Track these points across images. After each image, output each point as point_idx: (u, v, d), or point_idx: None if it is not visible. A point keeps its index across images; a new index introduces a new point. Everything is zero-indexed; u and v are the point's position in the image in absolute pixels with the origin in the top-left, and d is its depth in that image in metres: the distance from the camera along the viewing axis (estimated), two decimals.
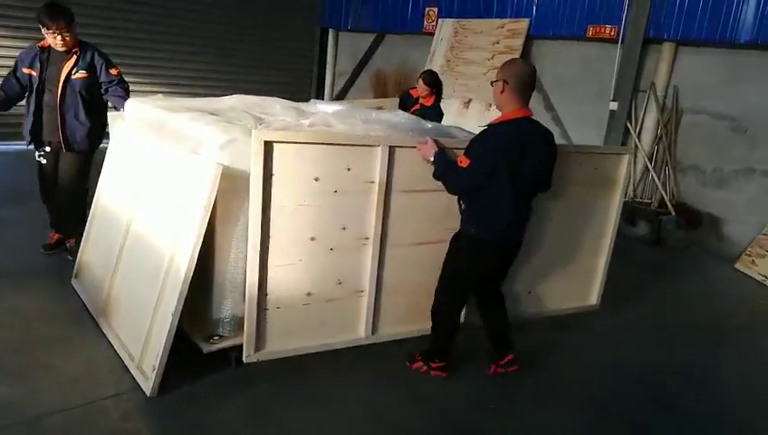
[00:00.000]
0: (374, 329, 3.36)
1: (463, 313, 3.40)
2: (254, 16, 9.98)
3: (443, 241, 3.20)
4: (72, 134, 4.10)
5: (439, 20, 8.98)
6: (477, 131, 3.09)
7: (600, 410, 3.20)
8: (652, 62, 7.07)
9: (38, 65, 4.01)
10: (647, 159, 7.12)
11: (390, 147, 3.08)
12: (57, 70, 4.01)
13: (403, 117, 4.31)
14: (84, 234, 3.89)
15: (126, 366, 3.01)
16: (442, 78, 5.84)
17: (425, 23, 9.23)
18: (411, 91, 5.83)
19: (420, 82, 5.55)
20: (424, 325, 3.34)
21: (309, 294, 3.11)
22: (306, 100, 11.48)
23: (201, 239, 2.79)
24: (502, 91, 2.92)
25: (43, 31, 3.90)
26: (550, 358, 3.64)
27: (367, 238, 3.17)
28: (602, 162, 3.91)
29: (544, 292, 4.01)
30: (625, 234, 6.71)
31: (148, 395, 2.81)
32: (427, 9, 9.17)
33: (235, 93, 4.14)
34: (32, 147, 4.20)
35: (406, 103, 5.64)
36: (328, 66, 11.40)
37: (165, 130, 3.21)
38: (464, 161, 2.90)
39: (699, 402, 3.38)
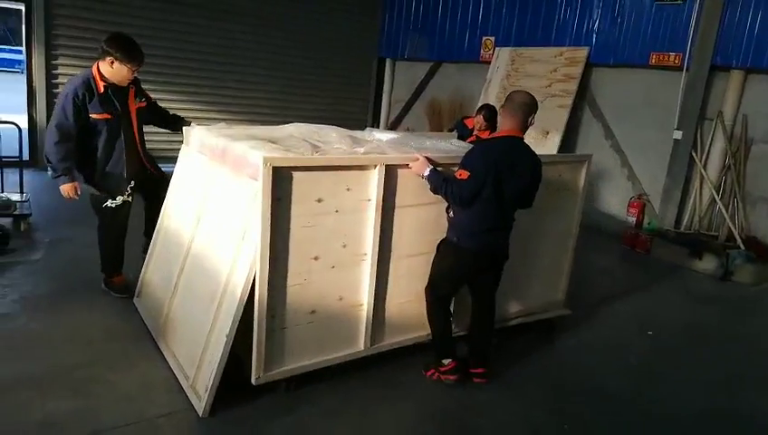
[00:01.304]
0: (373, 340, 3.43)
1: None
2: (314, 46, 10.29)
3: (433, 251, 3.43)
4: (152, 162, 4.17)
5: (496, 48, 8.99)
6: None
7: None
8: (719, 90, 6.81)
9: (108, 107, 3.76)
10: (713, 190, 6.82)
11: (387, 166, 3.19)
12: (125, 105, 3.86)
13: (457, 144, 4.34)
14: (147, 253, 4.05)
15: (181, 386, 3.09)
16: (497, 106, 5.84)
17: (481, 51, 9.27)
18: (466, 122, 5.85)
19: (480, 118, 5.58)
20: (419, 333, 3.58)
21: (313, 312, 3.16)
22: (362, 127, 11.73)
23: (257, 263, 2.85)
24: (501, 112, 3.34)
25: (121, 66, 3.67)
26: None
27: (365, 254, 3.27)
28: (565, 169, 4.12)
29: (516, 293, 4.05)
30: (689, 267, 6.45)
31: (200, 415, 2.87)
32: (483, 38, 9.21)
33: (294, 120, 4.28)
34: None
35: (462, 134, 5.65)
36: (384, 94, 11.58)
37: (226, 156, 3.32)
38: (463, 174, 3.11)
39: None
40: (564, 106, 7.86)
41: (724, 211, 6.73)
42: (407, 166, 3.30)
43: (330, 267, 3.16)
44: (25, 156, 8.25)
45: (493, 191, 3.11)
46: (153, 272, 3.96)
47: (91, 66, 3.81)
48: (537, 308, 4.24)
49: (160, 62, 8.59)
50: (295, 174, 2.89)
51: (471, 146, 4.62)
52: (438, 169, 3.27)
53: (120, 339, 3.59)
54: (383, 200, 3.23)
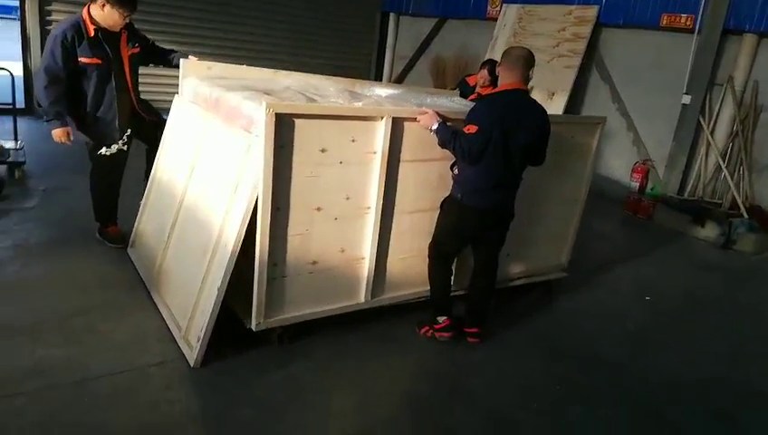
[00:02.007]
0: (373, 294, 3.41)
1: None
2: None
3: (437, 208, 3.38)
4: (147, 109, 4.09)
5: (504, 5, 8.74)
6: None
7: None
8: (731, 55, 6.63)
9: (98, 51, 3.64)
10: (719, 157, 6.71)
11: (394, 118, 3.11)
12: (117, 50, 3.74)
13: (459, 102, 4.23)
14: (141, 203, 4.00)
15: (173, 336, 3.07)
16: None
17: (488, 8, 9.02)
18: (468, 79, 5.69)
19: (484, 71, 5.40)
20: (419, 289, 3.55)
21: (314, 262, 3.13)
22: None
23: (248, 217, 2.79)
24: (498, 69, 3.22)
25: (112, 10, 3.56)
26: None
27: (368, 207, 3.22)
28: (578, 131, 4.00)
29: (520, 255, 4.02)
30: (691, 234, 6.41)
31: (191, 365, 2.86)
32: None
33: (296, 71, 4.18)
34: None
35: (463, 91, 5.50)
36: (387, 50, 11.32)
37: (220, 107, 3.23)
38: (471, 128, 3.01)
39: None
40: (572, 66, 7.68)
41: (729, 179, 6.64)
42: (414, 119, 3.21)
43: (332, 219, 3.11)
44: (20, 103, 8.14)
45: (500, 146, 3.03)
46: (146, 222, 3.91)
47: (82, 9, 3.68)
48: (539, 271, 4.22)
49: (156, 9, 8.38)
50: (298, 121, 2.80)
51: (473, 104, 4.53)
52: (447, 123, 3.17)
53: (113, 288, 3.57)
54: (388, 153, 3.15)
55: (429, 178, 3.43)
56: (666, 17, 6.89)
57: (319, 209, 3.06)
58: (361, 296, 3.39)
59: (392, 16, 11.00)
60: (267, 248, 2.91)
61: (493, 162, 3.06)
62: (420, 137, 3.26)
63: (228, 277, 2.82)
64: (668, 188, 7.13)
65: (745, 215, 6.39)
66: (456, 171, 3.27)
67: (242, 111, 2.94)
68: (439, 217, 3.37)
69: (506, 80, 3.14)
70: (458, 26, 9.90)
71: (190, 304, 2.99)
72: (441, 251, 3.36)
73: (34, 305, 3.27)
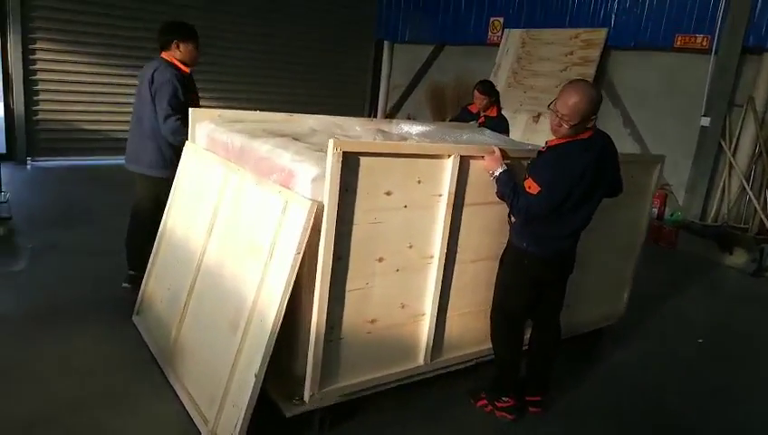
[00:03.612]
0: (433, 355, 3.01)
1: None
2: (307, 29, 9.69)
3: (497, 257, 3.03)
4: None
5: (505, 30, 8.51)
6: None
7: None
8: (750, 74, 6.43)
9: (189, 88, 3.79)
10: (743, 180, 6.45)
11: (462, 157, 2.76)
12: (194, 92, 3.87)
13: (492, 136, 3.90)
14: (148, 266, 3.55)
15: (198, 429, 2.60)
16: (508, 90, 5.37)
17: (489, 33, 8.78)
18: (470, 108, 5.36)
19: (475, 93, 5.10)
20: (478, 348, 3.19)
21: (373, 321, 2.74)
22: (360, 114, 11.13)
23: (290, 288, 2.37)
24: (560, 126, 2.66)
25: (188, 48, 3.76)
26: None
27: (431, 256, 2.85)
28: (637, 170, 3.65)
29: (577, 308, 3.60)
30: (719, 262, 6.11)
31: None
32: (491, 19, 8.72)
33: (288, 106, 3.86)
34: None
35: (466, 121, 5.17)
36: (382, 79, 11.02)
37: (246, 157, 2.83)
38: (533, 187, 2.63)
39: None
40: None
41: (755, 201, 6.37)
42: (480, 157, 2.84)
43: (394, 271, 2.72)
44: (1, 148, 7.69)
45: (580, 198, 2.67)
46: (156, 286, 3.45)
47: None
48: (595, 322, 3.85)
49: (144, 44, 7.97)
50: (365, 161, 2.43)
51: (505, 137, 4.18)
52: (511, 170, 2.79)
53: (119, 370, 3.08)
54: (454, 196, 2.80)
55: (491, 223, 3.04)
56: (680, 38, 6.69)
57: (381, 260, 2.66)
58: (420, 359, 2.97)
59: (386, 45, 10.73)
60: (326, 308, 2.50)
61: (571, 212, 2.70)
62: (484, 178, 2.88)
63: (267, 361, 2.38)
64: (690, 214, 6.85)
65: None
66: (513, 219, 2.86)
67: (276, 161, 2.55)
68: (500, 273, 2.97)
69: (585, 123, 2.62)
70: (457, 53, 9.65)
71: (218, 392, 2.54)
72: (508, 313, 2.94)
73: (29, 396, 2.79)
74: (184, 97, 3.66)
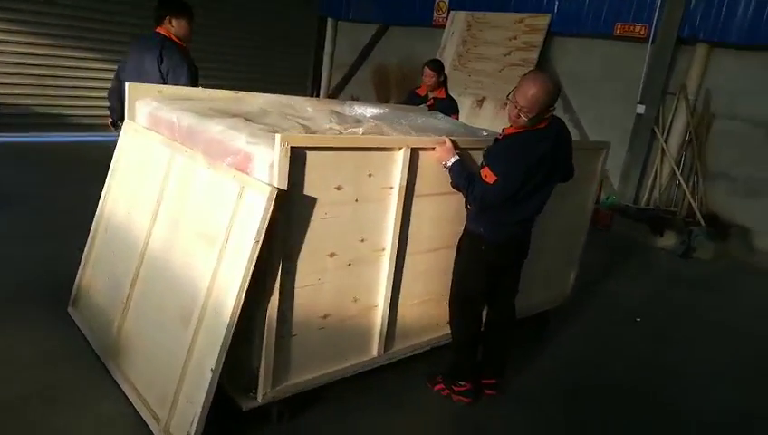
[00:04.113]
0: (386, 346, 3.01)
1: None
2: (249, 2, 9.31)
3: (452, 246, 3.01)
4: None
5: (451, 12, 8.49)
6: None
7: None
8: (683, 64, 6.71)
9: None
10: (674, 166, 6.76)
11: (413, 149, 2.74)
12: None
13: (445, 120, 3.86)
14: (84, 254, 3.31)
15: (149, 427, 2.46)
16: (453, 74, 5.34)
17: (434, 15, 8.74)
18: (417, 91, 5.32)
19: (426, 70, 5.04)
20: (432, 336, 3.22)
21: (325, 316, 2.70)
22: (302, 93, 10.82)
23: (249, 278, 2.26)
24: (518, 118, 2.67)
25: (181, 24, 3.84)
26: None
27: (383, 249, 2.83)
28: (584, 157, 3.74)
29: (526, 291, 3.62)
30: (650, 244, 6.40)
31: None
32: (437, 0, 8.66)
33: (229, 83, 4.17)
34: None
35: (414, 104, 5.12)
36: (325, 57, 10.80)
37: (195, 138, 2.65)
38: (489, 176, 2.62)
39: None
40: None
41: (684, 187, 6.70)
42: (432, 149, 2.81)
43: (346, 265, 2.67)
44: None
45: (534, 186, 2.68)
46: (93, 275, 3.23)
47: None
48: (543, 304, 3.93)
49: (77, 22, 7.46)
50: (312, 157, 2.35)
51: (460, 122, 4.15)
52: (461, 160, 2.77)
53: (58, 363, 2.87)
54: (407, 188, 2.77)
55: (445, 212, 3.04)
56: (619, 27, 6.88)
57: (332, 255, 2.60)
58: (374, 350, 2.95)
59: (330, 22, 10.49)
60: (278, 304, 2.42)
61: (526, 198, 2.71)
62: (436, 169, 2.86)
63: (225, 355, 2.27)
64: (624, 198, 7.13)
65: (702, 222, 6.46)
66: (470, 206, 2.86)
67: (230, 144, 2.40)
68: (457, 259, 2.96)
69: (542, 114, 2.62)
70: (402, 33, 9.56)
71: (170, 389, 2.40)
72: (466, 299, 2.95)
73: None
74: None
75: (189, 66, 3.79)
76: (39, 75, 7.49)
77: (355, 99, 9.58)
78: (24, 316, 3.25)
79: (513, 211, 2.75)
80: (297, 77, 10.62)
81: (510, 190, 2.63)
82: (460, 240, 2.96)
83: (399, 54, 9.49)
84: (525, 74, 2.70)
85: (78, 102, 7.90)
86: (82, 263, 3.31)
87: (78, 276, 3.31)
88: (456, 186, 2.79)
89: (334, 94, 10.53)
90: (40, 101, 7.56)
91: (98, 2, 7.84)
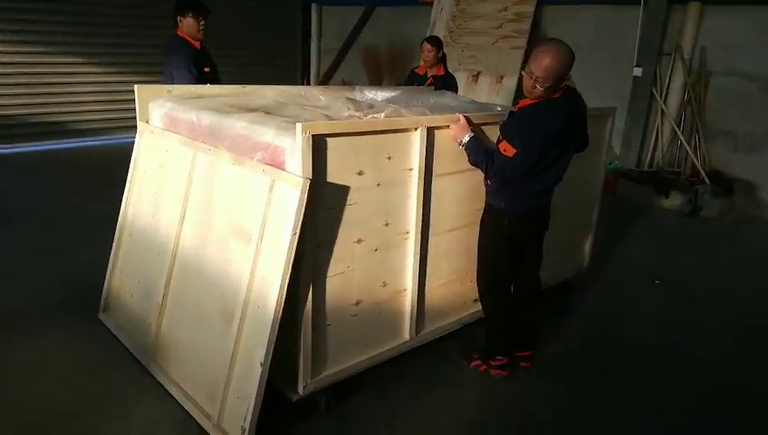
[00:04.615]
0: (417, 329, 3.03)
1: None
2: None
3: (472, 223, 3.08)
4: None
5: None
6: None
7: None
8: (676, 24, 6.70)
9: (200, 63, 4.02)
10: (675, 126, 6.79)
11: (428, 129, 2.75)
12: (209, 67, 4.12)
13: (455, 98, 3.87)
14: (110, 260, 3.31)
15: (200, 425, 2.48)
16: (445, 50, 5.33)
17: None
18: (417, 71, 5.30)
19: (425, 45, 5.03)
20: (461, 315, 3.26)
21: (357, 303, 2.72)
22: (293, 81, 10.73)
23: (289, 270, 2.27)
24: (534, 88, 2.64)
25: (188, 22, 4.01)
26: None
27: (407, 232, 2.85)
28: (592, 123, 3.66)
29: (549, 258, 3.65)
30: (657, 205, 6.45)
31: None
32: None
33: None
34: None
35: (415, 84, 5.11)
36: (312, 43, 10.70)
37: (218, 136, 2.64)
38: (508, 150, 2.62)
39: None
40: (518, 47, 7.50)
41: (686, 146, 6.73)
42: (446, 127, 2.82)
43: (373, 250, 2.68)
44: None
45: (553, 157, 2.69)
46: (123, 280, 3.23)
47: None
48: (563, 273, 3.97)
49: (62, 18, 7.35)
50: (332, 143, 2.34)
51: (471, 99, 4.15)
52: (476, 136, 2.79)
53: (101, 370, 2.88)
54: (425, 169, 2.77)
55: (464, 191, 3.06)
56: None
57: (359, 241, 2.61)
58: (406, 334, 2.97)
59: (314, 7, 10.37)
60: (311, 295, 2.44)
61: (545, 171, 2.74)
62: (452, 146, 2.87)
63: (272, 348, 2.29)
64: (627, 162, 7.16)
65: (707, 181, 6.51)
66: (490, 181, 2.88)
67: (258, 139, 2.39)
68: (481, 236, 2.99)
69: (558, 84, 2.61)
70: (389, 14, 9.48)
71: (219, 385, 2.42)
72: (494, 274, 2.97)
73: (8, 408, 2.56)
74: (197, 72, 3.91)
75: (193, 66, 3.91)
76: (31, 84, 7.40)
77: (347, 83, 9.53)
78: (57, 326, 3.26)
79: (534, 183, 2.76)
80: (286, 66, 10.52)
81: (529, 162, 2.64)
82: (483, 216, 2.98)
83: (388, 35, 9.42)
84: (539, 44, 2.69)
85: (73, 108, 7.82)
86: (110, 268, 3.31)
87: (106, 282, 3.31)
88: (474, 162, 2.80)
89: (325, 81, 10.46)
90: (34, 109, 7.48)
91: (94, 7, 7.74)
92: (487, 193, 2.93)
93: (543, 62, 2.55)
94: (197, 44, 4.06)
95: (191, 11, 4.00)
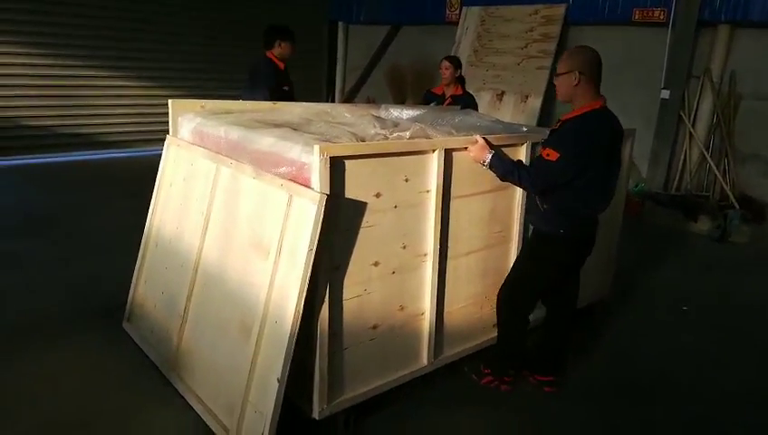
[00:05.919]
0: (435, 353, 2.98)
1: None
2: (258, 11, 9.33)
3: (490, 246, 3.09)
4: None
5: (463, 8, 8.47)
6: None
7: None
8: (705, 46, 6.63)
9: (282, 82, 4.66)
10: (703, 149, 6.68)
11: (446, 150, 2.74)
12: (288, 84, 4.79)
13: (480, 117, 3.86)
14: (135, 269, 3.35)
15: None
16: (470, 69, 5.37)
17: (447, 12, 8.71)
18: (434, 90, 5.32)
19: (444, 63, 5.05)
20: (479, 340, 3.20)
21: (375, 327, 2.68)
22: (318, 98, 10.89)
23: (306, 286, 2.26)
24: (576, 84, 2.63)
25: (288, 46, 4.83)
26: None
27: (425, 254, 2.81)
28: None
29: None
30: (685, 230, 6.32)
31: None
32: None
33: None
34: None
35: (432, 104, 5.11)
36: (338, 61, 10.81)
37: (242, 150, 2.67)
38: (552, 154, 2.59)
39: None
40: (543, 68, 7.49)
41: (715, 170, 6.62)
42: (464, 149, 2.81)
43: (390, 273, 2.66)
44: None
45: (600, 172, 2.67)
46: (148, 291, 3.26)
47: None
48: (587, 299, 3.87)
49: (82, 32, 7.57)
50: (351, 165, 2.35)
51: (497, 117, 4.14)
52: (498, 153, 2.79)
53: (124, 381, 2.91)
54: (443, 191, 2.76)
55: (482, 213, 3.04)
56: (638, 12, 6.81)
57: (376, 264, 2.59)
58: (424, 358, 2.93)
59: (341, 26, 10.51)
60: (328, 319, 2.42)
61: (594, 189, 2.70)
62: (471, 168, 2.87)
63: (289, 364, 2.28)
64: (653, 185, 7.06)
65: (736, 205, 6.37)
66: (545, 206, 2.78)
67: (285, 155, 2.41)
68: (522, 260, 2.94)
69: (590, 96, 2.63)
70: (415, 33, 9.55)
71: (236, 398, 2.42)
72: (529, 299, 2.92)
73: (25, 420, 2.59)
74: (278, 88, 4.49)
75: (273, 84, 4.54)
76: (63, 96, 7.62)
77: (371, 101, 9.60)
78: (81, 335, 3.31)
79: (587, 203, 2.73)
80: (312, 83, 10.63)
81: (573, 169, 2.59)
82: (529, 244, 2.96)
83: (413, 54, 9.48)
84: (565, 51, 2.82)
85: (103, 120, 8.02)
86: (134, 278, 3.35)
87: (131, 292, 3.35)
88: (503, 175, 2.77)
89: (349, 99, 10.54)
90: (59, 121, 7.68)
91: (109, 20, 7.96)
92: (539, 219, 2.85)
93: (570, 57, 2.68)
94: (282, 65, 4.73)
95: (292, 37, 4.77)
